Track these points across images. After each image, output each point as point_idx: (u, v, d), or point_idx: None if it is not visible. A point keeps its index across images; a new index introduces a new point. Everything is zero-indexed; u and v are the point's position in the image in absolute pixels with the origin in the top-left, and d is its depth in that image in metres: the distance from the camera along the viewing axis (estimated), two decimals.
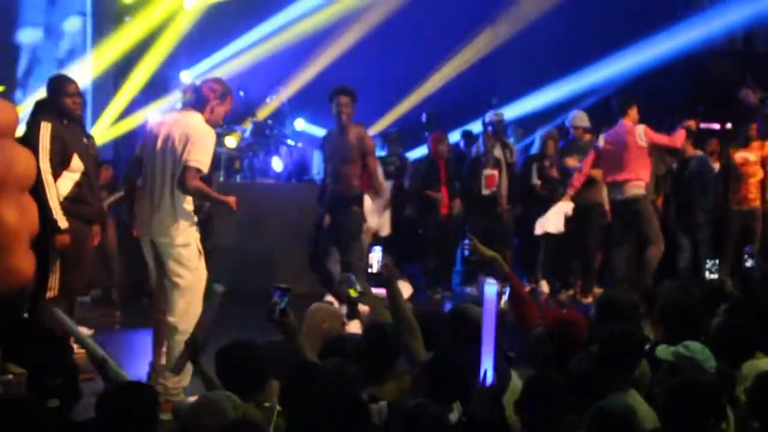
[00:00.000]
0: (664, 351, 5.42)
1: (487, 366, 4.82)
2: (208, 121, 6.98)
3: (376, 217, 11.76)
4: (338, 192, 9.90)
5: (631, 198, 10.88)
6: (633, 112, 11.00)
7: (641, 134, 10.85)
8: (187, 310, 6.80)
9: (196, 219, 7.05)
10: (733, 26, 14.43)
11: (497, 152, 12.35)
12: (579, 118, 12.18)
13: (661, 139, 10.97)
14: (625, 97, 11.25)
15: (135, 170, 7.19)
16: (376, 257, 6.40)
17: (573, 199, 11.53)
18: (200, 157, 6.76)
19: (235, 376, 5.07)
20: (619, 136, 10.98)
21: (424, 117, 14.24)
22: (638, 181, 10.87)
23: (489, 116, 12.46)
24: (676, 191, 11.94)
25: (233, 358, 5.16)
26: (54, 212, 7.43)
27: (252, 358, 5.17)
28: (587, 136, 12.00)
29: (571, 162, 11.81)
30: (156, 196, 6.91)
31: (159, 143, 6.92)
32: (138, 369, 7.15)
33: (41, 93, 8.21)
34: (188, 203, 6.94)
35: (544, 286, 12.09)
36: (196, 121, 6.92)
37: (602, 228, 11.82)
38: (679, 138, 11.07)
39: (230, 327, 6.90)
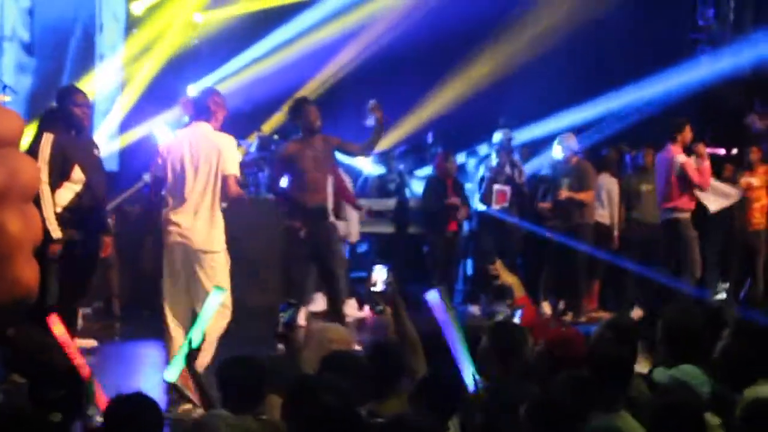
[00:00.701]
0: (659, 373, 5.42)
1: (468, 372, 4.86)
2: (216, 130, 7.52)
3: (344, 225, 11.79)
4: (317, 203, 9.68)
5: (667, 221, 11.26)
6: (682, 137, 11.14)
7: (677, 165, 11.04)
8: (223, 312, 7.10)
9: None
10: (743, 60, 14.42)
11: (507, 170, 12.39)
12: (566, 139, 12.20)
13: (694, 176, 11.06)
14: (675, 121, 11.35)
15: (157, 187, 7.59)
16: (380, 276, 6.44)
17: (559, 221, 11.90)
18: (235, 164, 7.44)
19: (235, 390, 5.06)
20: (661, 162, 11.25)
21: (430, 136, 14.26)
22: (678, 211, 11.19)
23: (498, 135, 12.44)
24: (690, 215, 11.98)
25: (233, 373, 5.14)
26: (48, 222, 7.44)
27: (251, 373, 5.15)
28: (574, 159, 12.03)
29: (564, 194, 11.84)
30: (193, 207, 7.35)
31: (187, 159, 7.39)
32: (137, 380, 7.14)
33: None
34: (221, 212, 7.45)
35: (546, 308, 12.07)
36: (214, 132, 7.47)
37: (587, 249, 11.92)
38: (707, 177, 11.17)
39: (237, 341, 6.95)
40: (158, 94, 14.26)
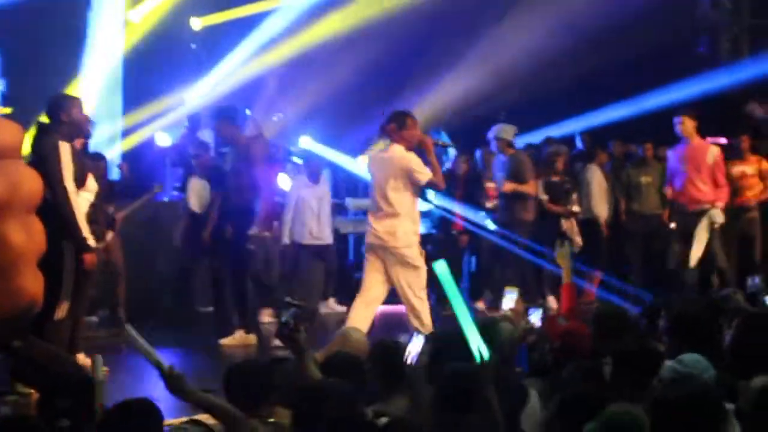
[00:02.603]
0: (666, 369, 5.42)
1: (475, 340, 4.90)
2: (408, 148, 8.83)
3: None
4: None
5: None
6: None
7: None
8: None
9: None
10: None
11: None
12: (504, 130, 12.04)
13: None
14: None
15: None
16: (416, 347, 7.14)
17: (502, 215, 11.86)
18: (423, 176, 8.74)
19: (240, 393, 5.10)
20: None
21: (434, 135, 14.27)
22: None
23: (496, 131, 12.46)
24: None
25: (240, 377, 5.20)
26: (83, 231, 7.41)
27: (257, 377, 5.21)
28: (510, 151, 11.91)
29: (508, 186, 11.72)
30: (386, 213, 8.77)
31: (381, 175, 8.85)
32: (144, 387, 7.14)
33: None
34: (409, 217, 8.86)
35: (553, 302, 12.07)
36: (401, 152, 8.80)
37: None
38: None
39: None
40: (155, 100, 14.30)
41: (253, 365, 5.33)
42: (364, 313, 8.70)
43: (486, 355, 5.00)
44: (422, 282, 8.78)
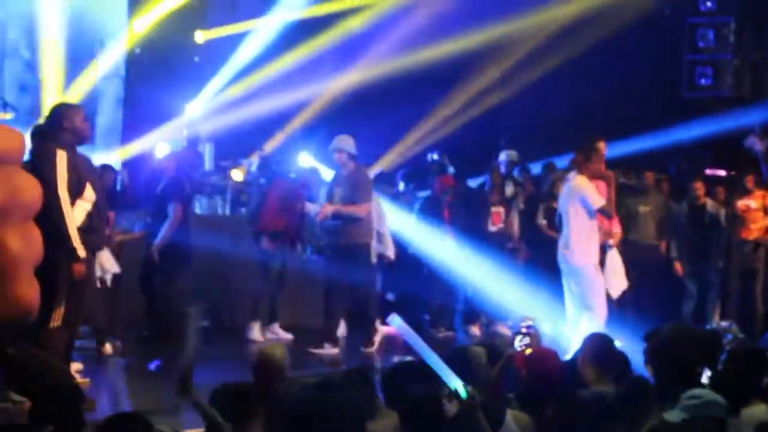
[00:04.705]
0: (672, 415, 5.36)
1: (455, 384, 4.95)
2: (590, 178, 10.05)
3: None
4: None
5: None
6: None
7: None
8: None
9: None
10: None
11: (509, 191, 12.41)
12: (343, 140, 11.07)
13: None
14: None
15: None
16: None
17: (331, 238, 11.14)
18: (597, 197, 9.99)
19: (230, 411, 5.14)
20: None
21: (435, 155, 14.22)
22: None
23: (503, 155, 12.48)
24: (691, 238, 12.05)
25: (230, 395, 5.26)
26: (73, 241, 7.39)
27: (247, 396, 5.29)
28: (351, 165, 11.06)
29: (327, 208, 10.96)
30: (566, 235, 10.11)
31: (564, 200, 10.23)
32: (139, 397, 7.14)
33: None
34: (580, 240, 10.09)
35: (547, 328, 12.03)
36: (582, 181, 10.08)
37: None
38: None
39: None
40: (157, 111, 14.31)
41: (239, 385, 5.35)
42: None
43: (462, 391, 5.03)
44: (595, 293, 9.97)
